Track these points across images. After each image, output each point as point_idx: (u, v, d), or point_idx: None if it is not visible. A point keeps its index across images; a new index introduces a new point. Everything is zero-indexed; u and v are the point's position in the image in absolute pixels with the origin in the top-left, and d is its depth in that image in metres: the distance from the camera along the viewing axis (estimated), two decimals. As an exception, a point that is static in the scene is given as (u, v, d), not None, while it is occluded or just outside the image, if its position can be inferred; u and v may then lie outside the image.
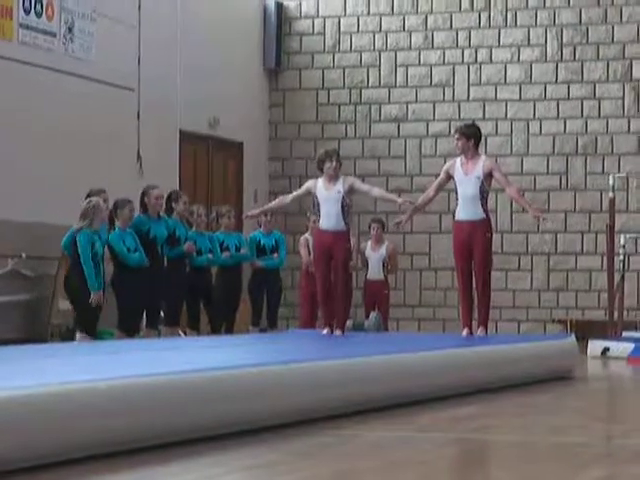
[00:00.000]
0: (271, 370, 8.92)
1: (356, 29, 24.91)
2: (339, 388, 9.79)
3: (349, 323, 17.72)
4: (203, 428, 7.72)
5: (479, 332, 15.49)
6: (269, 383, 8.56)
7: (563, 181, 23.65)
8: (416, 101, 24.42)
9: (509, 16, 24.03)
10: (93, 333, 16.33)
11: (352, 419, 9.59)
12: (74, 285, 16.14)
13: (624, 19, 23.61)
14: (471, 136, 14.04)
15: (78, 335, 16.49)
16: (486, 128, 22.29)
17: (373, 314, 19.35)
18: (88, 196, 16.55)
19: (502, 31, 24.04)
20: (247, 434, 7.94)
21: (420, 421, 10.16)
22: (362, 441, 8.96)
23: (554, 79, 23.87)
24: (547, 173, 23.64)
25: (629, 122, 23.45)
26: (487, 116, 23.99)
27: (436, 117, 24.30)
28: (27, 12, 19.24)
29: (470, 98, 24.20)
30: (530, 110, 23.92)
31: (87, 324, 16.39)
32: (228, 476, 6.86)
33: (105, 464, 6.56)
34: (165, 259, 17.33)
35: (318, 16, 25.18)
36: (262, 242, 19.17)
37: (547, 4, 23.93)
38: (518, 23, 23.97)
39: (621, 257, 20.89)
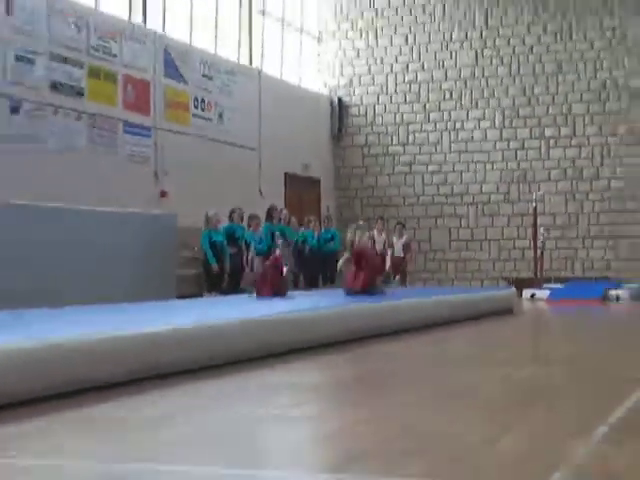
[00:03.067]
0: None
1: (383, 111, 28.57)
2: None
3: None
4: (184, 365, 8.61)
5: None
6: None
7: (506, 197, 27.51)
8: (419, 153, 28.27)
9: (473, 102, 27.83)
10: (217, 290, 18.65)
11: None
12: (204, 262, 19.10)
13: (540, 102, 27.18)
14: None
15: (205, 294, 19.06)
16: (462, 167, 27.45)
17: (396, 278, 23.39)
18: (232, 212, 20.06)
19: (469, 111, 27.80)
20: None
21: (409, 339, 12.97)
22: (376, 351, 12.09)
23: (500, 138, 27.53)
24: (497, 192, 27.62)
25: (543, 163, 27.19)
26: (462, 160, 27.78)
27: (432, 162, 28.15)
28: (196, 107, 22.60)
29: (452, 150, 27.93)
30: (487, 156, 27.64)
31: (210, 286, 19.07)
32: (196, 401, 7.64)
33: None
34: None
35: (362, 104, 28.77)
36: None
37: (495, 95, 27.52)
38: (478, 106, 27.76)
39: (540, 241, 24.97)
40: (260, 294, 14.31)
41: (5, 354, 7.04)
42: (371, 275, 15.16)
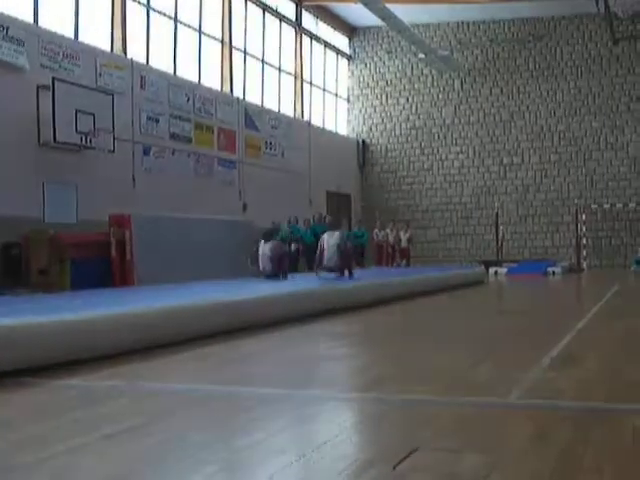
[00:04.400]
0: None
1: (393, 148, 28.15)
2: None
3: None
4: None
5: None
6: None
7: (477, 205, 27.32)
8: (417, 176, 27.93)
9: (453, 141, 27.55)
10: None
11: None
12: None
13: (499, 140, 27.04)
14: None
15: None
16: (446, 185, 27.21)
17: (403, 261, 23.56)
18: (290, 218, 20.59)
19: (451, 147, 27.57)
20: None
21: (415, 302, 12.76)
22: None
23: (472, 165, 27.32)
24: (470, 202, 27.40)
25: (502, 182, 27.06)
26: (446, 180, 27.47)
27: (426, 182, 27.80)
28: (266, 147, 22.49)
29: (439, 174, 27.56)
30: (464, 177, 27.46)
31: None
32: (275, 343, 7.93)
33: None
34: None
35: (378, 144, 28.32)
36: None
37: (468, 136, 27.26)
38: (457, 144, 27.54)
39: (500, 234, 25.44)
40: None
41: (166, 310, 7.27)
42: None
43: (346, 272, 13.17)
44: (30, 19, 14.62)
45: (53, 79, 14.07)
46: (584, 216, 25.54)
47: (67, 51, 15.06)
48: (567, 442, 3.58)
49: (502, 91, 27.15)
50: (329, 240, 13.08)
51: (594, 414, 4.19)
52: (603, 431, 3.81)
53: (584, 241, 25.61)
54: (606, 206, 25.76)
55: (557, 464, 3.23)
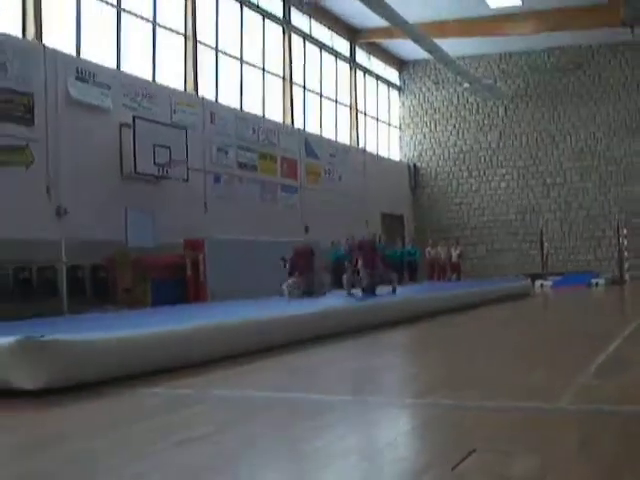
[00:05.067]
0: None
1: (442, 172, 27.84)
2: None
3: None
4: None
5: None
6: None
7: (522, 223, 26.70)
8: (465, 197, 27.57)
9: (498, 164, 27.07)
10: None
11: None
12: (332, 269, 17.62)
13: (542, 162, 26.52)
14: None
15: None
16: (492, 204, 26.83)
17: (454, 275, 23.42)
18: (347, 238, 17.72)
19: (496, 170, 27.08)
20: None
21: (469, 313, 13.17)
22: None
23: (517, 186, 26.87)
24: (516, 220, 26.77)
25: (545, 200, 26.40)
26: (492, 200, 27.11)
27: (474, 202, 27.36)
28: (325, 174, 22.36)
29: (486, 194, 27.22)
30: (509, 197, 27.00)
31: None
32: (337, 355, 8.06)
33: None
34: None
35: (428, 168, 27.99)
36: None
37: (512, 159, 26.77)
38: (502, 166, 26.96)
39: (545, 249, 24.85)
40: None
41: (236, 324, 7.22)
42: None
43: (380, 289, 12.59)
44: (114, 65, 14.96)
45: (134, 117, 14.33)
46: (625, 230, 24.94)
47: (146, 92, 15.33)
48: (614, 445, 3.49)
49: (543, 116, 26.89)
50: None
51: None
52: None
53: (626, 254, 24.98)
54: (646, 220, 25.52)
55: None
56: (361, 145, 25.60)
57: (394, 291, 12.81)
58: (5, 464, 3.59)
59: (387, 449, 3.68)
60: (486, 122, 27.43)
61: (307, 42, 22.55)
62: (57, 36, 13.56)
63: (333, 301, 11.12)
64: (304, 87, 22.22)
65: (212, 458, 3.51)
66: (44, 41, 13.19)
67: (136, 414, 4.71)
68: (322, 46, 23.35)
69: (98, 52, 14.51)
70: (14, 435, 4.27)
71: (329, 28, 23.64)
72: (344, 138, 24.74)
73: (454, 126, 27.81)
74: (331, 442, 3.80)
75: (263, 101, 20.09)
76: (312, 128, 22.61)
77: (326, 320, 8.83)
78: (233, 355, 6.93)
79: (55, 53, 13.21)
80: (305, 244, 13.66)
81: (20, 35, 12.91)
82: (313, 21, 22.64)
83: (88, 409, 4.85)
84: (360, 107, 25.70)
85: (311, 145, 21.79)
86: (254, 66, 19.73)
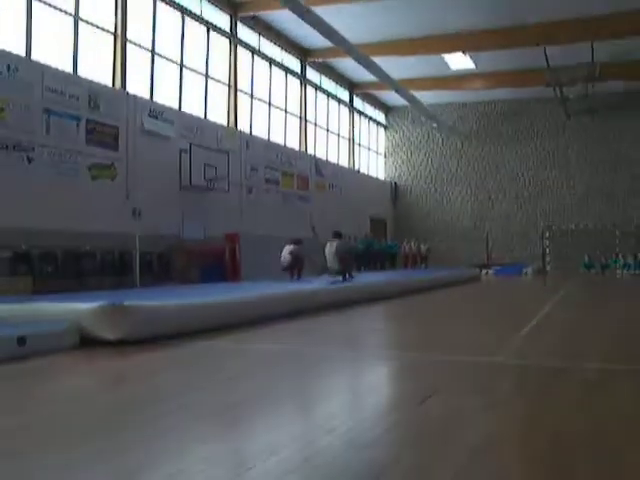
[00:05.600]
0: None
1: (416, 188, 27.08)
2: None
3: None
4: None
5: None
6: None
7: (474, 226, 26.08)
8: (432, 207, 26.75)
9: (457, 184, 26.51)
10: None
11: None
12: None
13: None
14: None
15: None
16: (448, 215, 25.97)
17: (423, 265, 23.21)
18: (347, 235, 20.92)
19: (455, 187, 26.40)
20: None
21: (431, 293, 13.64)
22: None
23: (471, 200, 26.17)
24: (469, 225, 26.19)
25: (490, 212, 26.04)
26: (446, 210, 26.29)
27: (437, 211, 26.57)
28: (329, 187, 21.46)
29: (444, 205, 26.50)
30: (464, 209, 26.31)
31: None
32: (337, 318, 7.94)
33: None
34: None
35: (405, 185, 27.22)
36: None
37: (467, 179, 26.17)
38: (459, 185, 26.45)
39: (489, 248, 24.88)
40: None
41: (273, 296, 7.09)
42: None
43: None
44: (177, 106, 14.91)
45: (190, 144, 14.24)
46: (547, 234, 24.79)
47: (199, 126, 15.25)
48: (539, 388, 3.48)
49: (490, 150, 26.42)
50: (329, 249, 10.84)
51: (553, 370, 4.09)
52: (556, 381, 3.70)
53: (547, 251, 24.79)
54: (563, 227, 24.92)
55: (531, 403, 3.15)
56: (356, 167, 25.25)
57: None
58: (95, 395, 3.61)
59: (374, 389, 3.67)
60: (448, 152, 26.98)
61: (318, 92, 22.13)
62: (136, 84, 13.59)
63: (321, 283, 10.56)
64: (315, 124, 21.96)
65: (249, 389, 3.50)
66: (127, 88, 13.25)
67: (190, 360, 4.68)
68: (328, 94, 22.94)
69: (166, 96, 14.51)
70: (101, 373, 4.28)
71: (336, 82, 23.24)
72: (344, 162, 24.39)
73: (425, 155, 27.37)
74: (328, 383, 3.78)
75: (285, 134, 19.94)
76: (320, 154, 22.30)
77: (317, 296, 8.58)
78: (259, 320, 6.84)
79: (135, 97, 13.27)
80: (298, 238, 12.50)
81: (110, 84, 13.00)
82: (323, 74, 22.23)
83: (155, 356, 4.86)
84: (356, 140, 25.38)
85: (319, 166, 21.47)
86: (279, 108, 19.60)
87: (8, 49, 10.54)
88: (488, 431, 2.64)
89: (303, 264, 11.48)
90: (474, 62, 21.16)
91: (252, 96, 18.11)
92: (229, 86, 16.95)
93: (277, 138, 19.46)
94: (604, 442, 2.47)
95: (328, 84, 22.96)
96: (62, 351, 4.88)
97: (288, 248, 11.49)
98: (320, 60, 20.95)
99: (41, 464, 2.28)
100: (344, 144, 24.63)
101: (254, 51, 18.09)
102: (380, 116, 27.75)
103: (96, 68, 12.58)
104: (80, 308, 5.32)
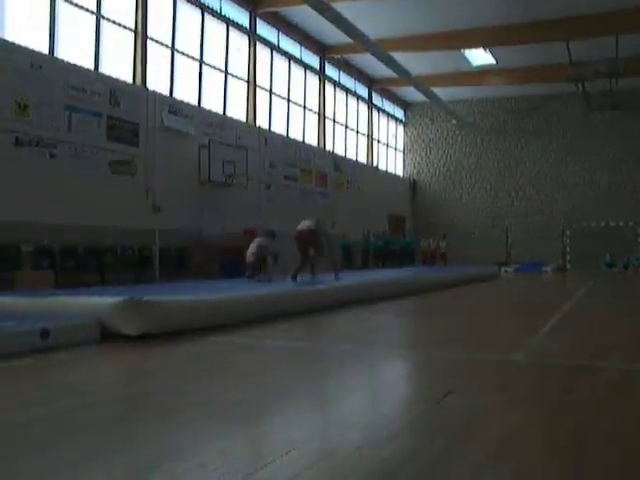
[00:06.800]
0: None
1: (435, 185, 27.06)
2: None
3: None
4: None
5: None
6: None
7: (493, 223, 25.78)
8: (450, 204, 26.59)
9: (476, 180, 26.28)
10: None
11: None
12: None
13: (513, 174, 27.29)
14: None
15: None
16: (464, 211, 25.94)
17: (442, 262, 22.97)
18: (366, 232, 21.27)
19: (474, 184, 26.22)
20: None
21: (452, 290, 12.95)
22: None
23: (490, 197, 26.01)
24: (488, 222, 25.95)
25: (511, 208, 25.84)
26: (465, 207, 26.15)
27: (455, 208, 26.37)
28: (347, 184, 21.57)
29: (462, 203, 26.35)
30: (484, 206, 26.08)
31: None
32: (355, 315, 7.69)
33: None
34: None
35: (423, 181, 27.22)
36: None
37: (486, 176, 26.00)
38: (479, 181, 26.35)
39: (509, 246, 24.81)
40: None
41: (276, 294, 6.89)
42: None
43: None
44: (196, 102, 14.92)
45: (209, 141, 14.29)
46: (568, 232, 24.53)
47: (218, 122, 15.29)
48: (553, 388, 3.44)
49: (509, 146, 26.18)
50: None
51: (575, 369, 4.02)
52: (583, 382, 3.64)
53: (568, 249, 24.55)
54: (584, 224, 24.59)
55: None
56: (374, 164, 25.17)
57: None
58: (114, 387, 3.65)
59: (392, 386, 3.65)
60: (467, 149, 26.81)
61: (337, 88, 22.19)
62: (157, 81, 13.64)
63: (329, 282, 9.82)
64: (334, 121, 21.94)
65: (262, 387, 3.50)
66: (147, 85, 13.30)
67: (209, 355, 4.70)
68: (347, 91, 22.94)
69: (185, 93, 14.53)
70: (120, 368, 4.31)
71: (355, 78, 23.16)
72: (362, 158, 24.32)
73: (444, 152, 27.23)
74: (345, 380, 3.76)
75: (303, 131, 19.90)
76: (339, 151, 22.25)
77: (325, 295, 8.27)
78: (275, 316, 6.82)
79: (155, 94, 13.32)
80: (271, 230, 11.54)
81: (131, 80, 13.05)
82: (342, 70, 22.25)
83: (174, 351, 4.86)
84: (375, 136, 25.33)
85: (338, 163, 21.45)
86: (297, 104, 19.58)
87: (32, 47, 10.67)
88: (509, 429, 2.62)
89: (267, 261, 9.97)
90: (495, 57, 20.97)
91: (271, 92, 18.13)
92: (248, 82, 16.99)
93: (296, 134, 19.43)
94: (626, 443, 2.44)
95: (347, 80, 22.94)
96: (83, 345, 4.91)
97: (257, 241, 10.01)
98: (339, 56, 20.93)
99: (59, 456, 2.30)
100: (363, 140, 24.54)
101: (273, 47, 18.10)
102: (399, 112, 27.66)
103: (117, 65, 12.66)
104: (101, 303, 5.34)
